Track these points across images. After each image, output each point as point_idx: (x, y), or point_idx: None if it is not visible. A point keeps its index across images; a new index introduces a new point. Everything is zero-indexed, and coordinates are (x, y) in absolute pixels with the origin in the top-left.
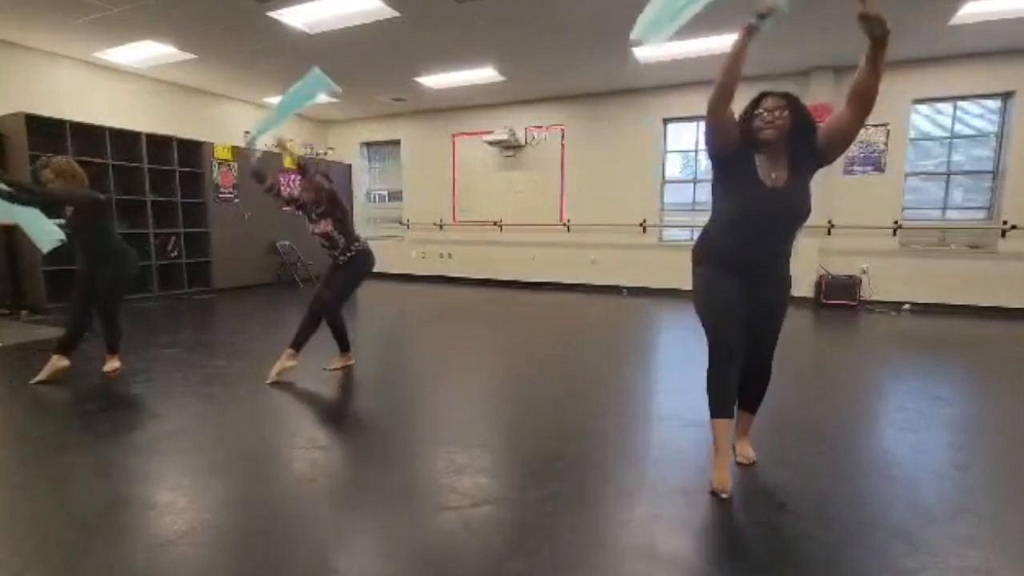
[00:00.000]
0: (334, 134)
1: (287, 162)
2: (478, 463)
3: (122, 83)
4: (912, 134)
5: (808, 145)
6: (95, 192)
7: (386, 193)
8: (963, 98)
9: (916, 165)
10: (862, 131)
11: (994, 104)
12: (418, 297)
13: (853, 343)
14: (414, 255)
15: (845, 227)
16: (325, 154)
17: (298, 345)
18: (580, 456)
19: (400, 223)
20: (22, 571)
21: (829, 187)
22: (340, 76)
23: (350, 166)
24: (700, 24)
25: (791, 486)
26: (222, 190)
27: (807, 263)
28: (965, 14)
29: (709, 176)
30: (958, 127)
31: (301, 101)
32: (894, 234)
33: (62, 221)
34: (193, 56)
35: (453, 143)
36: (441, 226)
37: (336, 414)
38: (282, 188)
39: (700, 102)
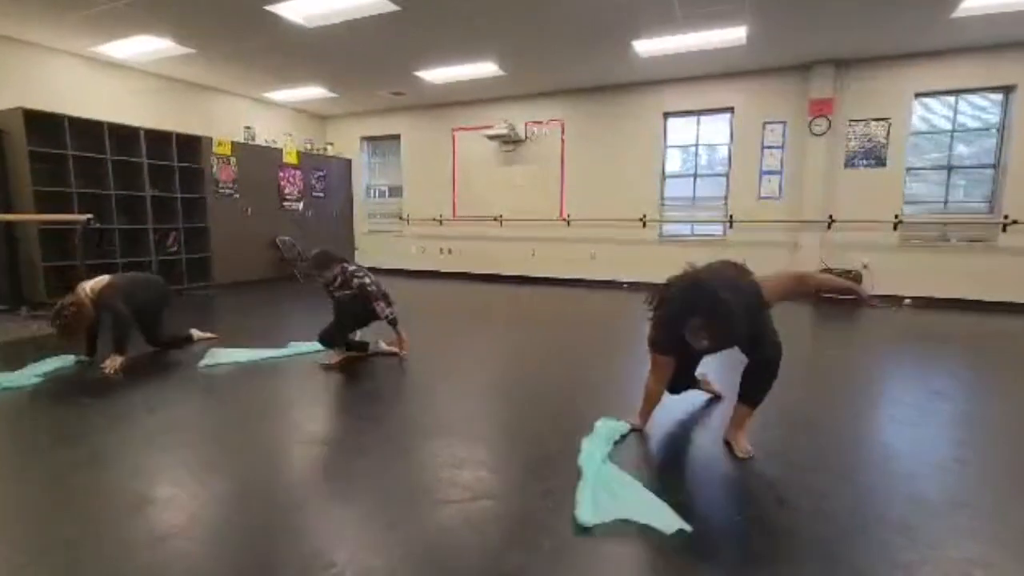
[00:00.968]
0: (333, 129)
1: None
2: (477, 457)
3: (121, 78)
4: (913, 128)
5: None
6: (115, 300)
7: (386, 189)
8: (964, 92)
9: (917, 160)
10: (863, 125)
11: (996, 98)
12: (418, 292)
13: (853, 338)
14: (414, 250)
15: (846, 222)
16: (325, 149)
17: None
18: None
19: (400, 218)
20: (24, 565)
21: (830, 181)
22: (339, 70)
23: (350, 161)
24: (700, 19)
25: (790, 481)
26: (221, 185)
27: (808, 258)
28: (967, 7)
29: (710, 171)
30: (959, 121)
31: None
32: (895, 228)
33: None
34: (191, 51)
35: (453, 138)
36: (441, 221)
37: (335, 409)
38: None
39: (700, 96)
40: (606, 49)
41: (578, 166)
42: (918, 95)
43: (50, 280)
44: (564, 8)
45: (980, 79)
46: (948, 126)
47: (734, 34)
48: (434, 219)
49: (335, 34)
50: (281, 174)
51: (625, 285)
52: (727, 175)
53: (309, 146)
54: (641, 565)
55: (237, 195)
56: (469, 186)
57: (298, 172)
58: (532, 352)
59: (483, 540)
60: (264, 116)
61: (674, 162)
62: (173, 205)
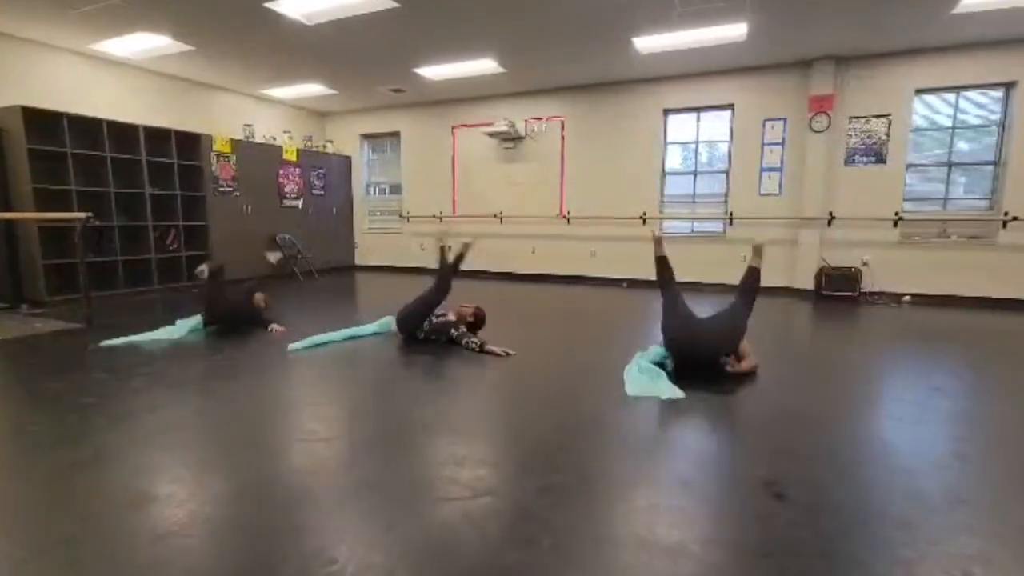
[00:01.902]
0: (333, 126)
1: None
2: (478, 454)
3: (119, 75)
4: (913, 125)
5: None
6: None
7: (387, 186)
8: (965, 88)
9: (917, 156)
10: (863, 122)
11: (996, 94)
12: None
13: (853, 335)
14: (413, 248)
15: (846, 219)
16: (324, 147)
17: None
18: (579, 447)
19: (400, 216)
20: (26, 561)
21: (830, 179)
22: (339, 67)
23: (349, 159)
24: (700, 16)
25: (790, 476)
26: (221, 183)
27: (808, 255)
28: (967, 3)
29: (710, 168)
30: (959, 117)
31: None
32: (895, 225)
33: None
34: (190, 48)
35: (453, 135)
36: (441, 218)
37: (336, 406)
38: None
39: (701, 93)
40: (606, 46)
41: (578, 163)
42: (919, 91)
43: (50, 278)
44: (564, 5)
45: (981, 75)
46: (948, 123)
47: (734, 30)
48: (434, 216)
49: (335, 31)
50: (281, 172)
51: (625, 283)
52: (727, 172)
53: (309, 143)
54: (641, 565)
55: (237, 193)
56: (469, 184)
57: (298, 170)
58: (532, 349)
59: (483, 537)
60: (263, 113)
61: (674, 159)
62: (173, 203)
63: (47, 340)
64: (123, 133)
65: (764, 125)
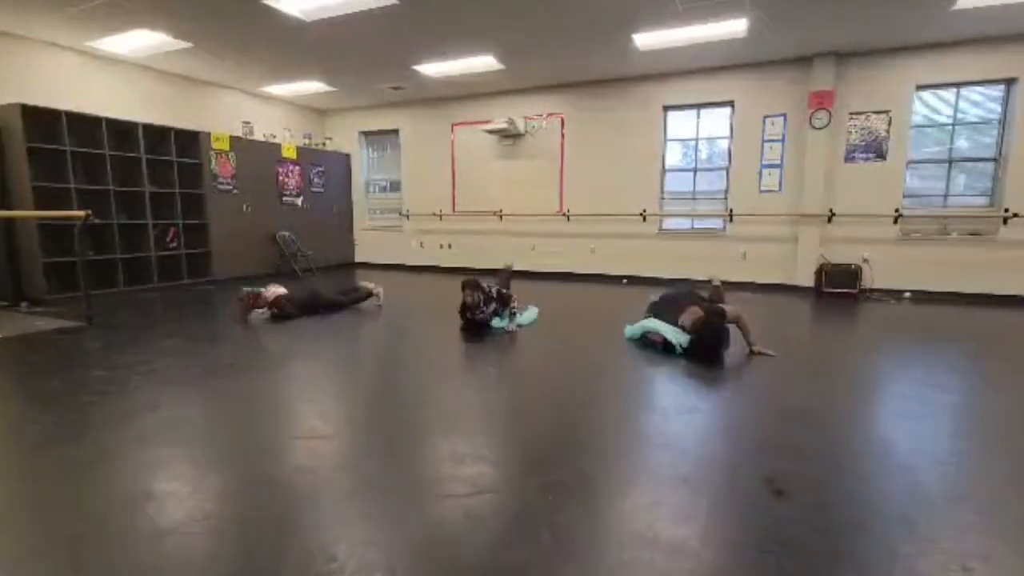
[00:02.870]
0: (332, 123)
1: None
2: (478, 452)
3: (118, 73)
4: (914, 121)
5: None
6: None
7: (387, 183)
8: (966, 84)
9: (917, 153)
10: (864, 118)
11: (997, 92)
12: (418, 287)
13: (853, 331)
14: (413, 245)
15: (846, 215)
16: (324, 144)
17: None
18: (580, 444)
19: (400, 213)
20: (27, 559)
21: (830, 175)
22: (337, 65)
23: (348, 156)
24: (700, 11)
25: (790, 473)
26: (220, 180)
27: (808, 252)
28: None
29: (709, 164)
30: (959, 114)
31: None
32: (895, 222)
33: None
34: (188, 45)
35: (452, 132)
36: (440, 216)
37: (336, 403)
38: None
39: (701, 89)
40: (606, 42)
41: (578, 160)
42: (919, 88)
43: (50, 276)
44: (564, 1)
45: (981, 72)
46: (949, 119)
47: (734, 26)
48: (434, 214)
49: (333, 28)
50: (280, 169)
51: (625, 280)
52: (727, 169)
53: (308, 141)
54: (641, 562)
55: (236, 190)
56: (469, 181)
57: (297, 167)
58: (532, 347)
59: (484, 534)
60: (262, 111)
61: (674, 156)
62: (172, 200)
63: (47, 338)
64: (122, 131)
65: (764, 121)
